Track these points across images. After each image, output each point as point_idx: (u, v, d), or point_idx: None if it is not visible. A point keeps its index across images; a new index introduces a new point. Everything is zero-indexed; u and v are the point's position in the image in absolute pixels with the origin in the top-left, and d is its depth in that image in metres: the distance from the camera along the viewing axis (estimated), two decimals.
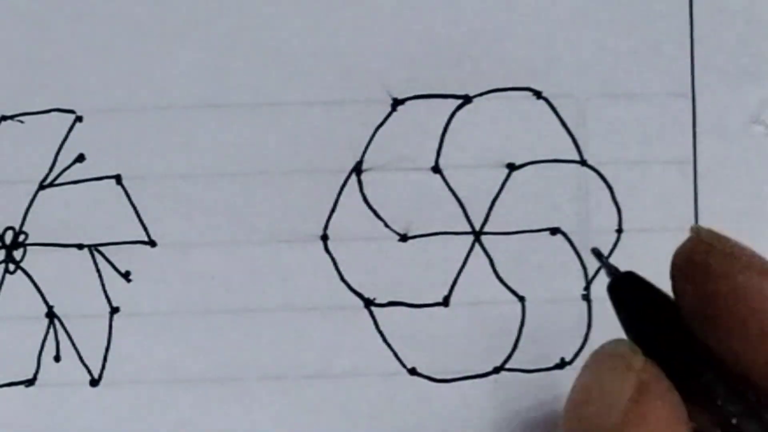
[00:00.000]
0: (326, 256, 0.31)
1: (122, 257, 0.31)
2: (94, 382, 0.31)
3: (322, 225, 0.31)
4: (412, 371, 0.31)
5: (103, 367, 0.31)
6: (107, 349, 0.31)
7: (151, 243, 0.31)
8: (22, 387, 0.31)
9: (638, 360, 0.26)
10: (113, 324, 0.31)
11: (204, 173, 0.31)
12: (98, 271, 0.31)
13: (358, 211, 0.31)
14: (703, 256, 0.26)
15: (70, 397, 0.31)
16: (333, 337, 0.31)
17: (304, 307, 0.31)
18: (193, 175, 0.31)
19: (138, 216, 0.31)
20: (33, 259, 0.31)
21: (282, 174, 0.31)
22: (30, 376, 0.31)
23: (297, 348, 0.31)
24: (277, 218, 0.31)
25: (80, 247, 0.31)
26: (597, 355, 0.27)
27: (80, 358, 0.31)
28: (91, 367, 0.31)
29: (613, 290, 0.28)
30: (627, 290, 0.27)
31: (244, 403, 0.31)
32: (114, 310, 0.31)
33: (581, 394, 0.26)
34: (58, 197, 0.31)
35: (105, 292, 0.31)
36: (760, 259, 0.26)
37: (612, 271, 0.28)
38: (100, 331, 0.31)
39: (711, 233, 0.26)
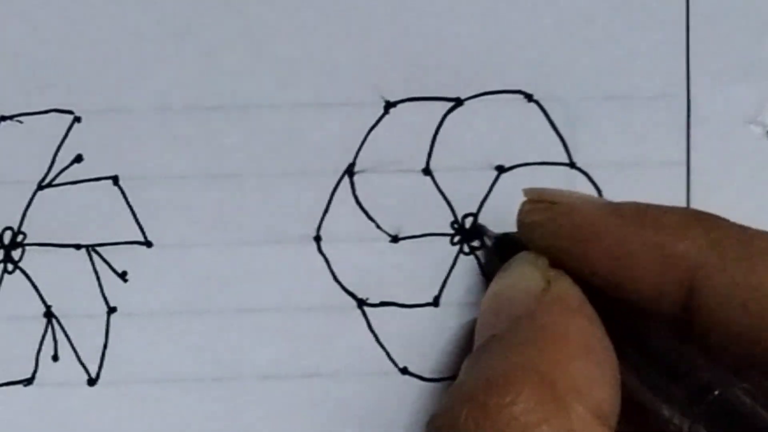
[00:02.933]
0: (319, 256, 0.32)
1: (119, 257, 0.31)
2: (92, 382, 0.31)
3: (316, 226, 0.32)
4: (404, 370, 0.32)
5: (101, 366, 0.31)
6: (104, 349, 0.31)
7: (148, 243, 0.32)
8: (20, 386, 0.31)
9: (544, 260, 0.28)
10: (110, 324, 0.31)
11: (199, 174, 0.31)
12: (95, 271, 0.31)
13: (351, 212, 0.32)
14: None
15: (68, 396, 0.31)
16: (326, 337, 0.31)
17: (297, 307, 0.31)
18: (188, 176, 0.31)
19: (134, 217, 0.31)
20: (31, 259, 0.31)
21: (275, 176, 0.31)
22: (28, 376, 0.31)
23: (290, 347, 0.31)
24: (270, 219, 0.31)
25: (78, 247, 0.31)
26: (506, 264, 0.29)
27: (78, 357, 0.31)
28: (88, 367, 0.31)
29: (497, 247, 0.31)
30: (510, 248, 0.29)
31: (238, 402, 0.31)
32: (111, 310, 0.31)
33: (494, 293, 0.28)
34: (56, 198, 0.31)
35: (102, 292, 0.31)
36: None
37: (493, 236, 0.31)
38: (98, 331, 0.31)
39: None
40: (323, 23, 0.32)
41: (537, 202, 0.29)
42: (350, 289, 0.31)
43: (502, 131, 0.32)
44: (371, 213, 0.32)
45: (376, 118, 0.32)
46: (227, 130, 0.31)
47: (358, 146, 0.32)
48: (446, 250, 0.32)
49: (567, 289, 0.27)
